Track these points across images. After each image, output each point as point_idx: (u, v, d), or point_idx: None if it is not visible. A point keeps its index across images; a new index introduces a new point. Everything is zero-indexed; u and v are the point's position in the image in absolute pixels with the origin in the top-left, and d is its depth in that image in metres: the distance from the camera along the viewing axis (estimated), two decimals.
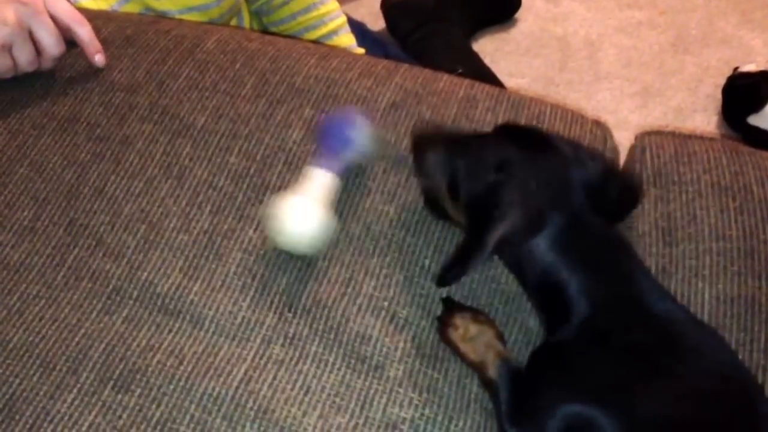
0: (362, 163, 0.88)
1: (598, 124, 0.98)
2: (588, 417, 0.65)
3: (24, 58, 0.90)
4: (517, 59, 1.83)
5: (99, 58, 0.95)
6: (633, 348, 0.68)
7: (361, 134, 0.86)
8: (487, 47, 1.85)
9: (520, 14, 1.90)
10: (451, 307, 0.78)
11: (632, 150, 0.97)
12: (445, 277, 0.73)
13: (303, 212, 0.79)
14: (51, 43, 0.90)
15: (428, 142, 0.82)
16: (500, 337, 0.75)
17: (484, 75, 1.64)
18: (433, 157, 0.80)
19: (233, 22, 1.29)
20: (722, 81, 1.73)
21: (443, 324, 0.77)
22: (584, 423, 0.65)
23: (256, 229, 0.84)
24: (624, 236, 0.78)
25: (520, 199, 0.71)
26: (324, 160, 0.84)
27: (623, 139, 1.02)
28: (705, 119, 1.72)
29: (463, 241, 0.74)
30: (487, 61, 1.72)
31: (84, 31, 0.94)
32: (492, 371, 0.72)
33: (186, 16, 1.16)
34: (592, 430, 0.65)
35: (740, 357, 0.76)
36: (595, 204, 0.73)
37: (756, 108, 1.63)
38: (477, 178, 0.74)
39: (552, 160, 0.74)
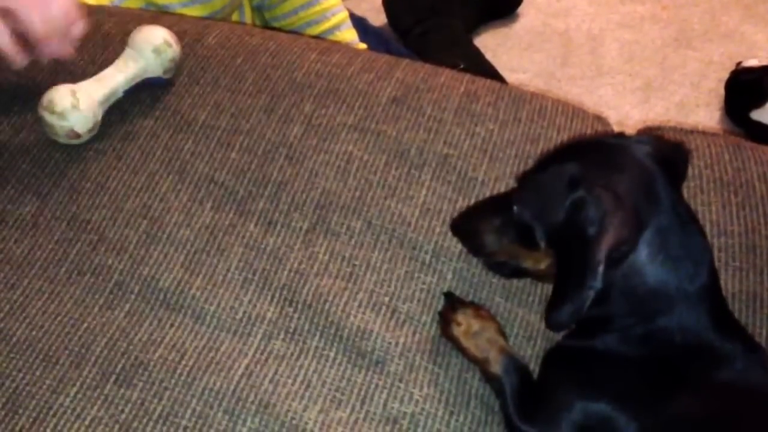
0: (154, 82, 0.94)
1: (599, 119, 0.98)
2: (607, 415, 0.65)
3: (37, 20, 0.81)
4: (519, 54, 1.83)
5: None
6: (670, 359, 0.66)
7: (154, 52, 0.92)
8: (489, 42, 1.84)
9: (522, 9, 1.90)
10: (452, 302, 0.78)
11: None
12: (558, 318, 0.65)
13: (63, 102, 0.86)
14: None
15: (471, 222, 0.77)
16: (502, 332, 0.76)
17: (486, 70, 1.64)
18: (486, 229, 0.74)
19: (234, 18, 1.29)
20: (725, 76, 1.72)
21: (445, 319, 0.77)
22: (602, 421, 0.65)
23: (257, 224, 0.84)
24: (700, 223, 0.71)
25: (612, 204, 0.63)
26: (115, 65, 0.91)
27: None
28: (707, 114, 1.71)
29: (564, 274, 0.67)
30: (488, 56, 1.72)
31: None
32: (496, 367, 0.72)
33: (188, 10, 1.16)
34: (610, 429, 0.65)
35: None
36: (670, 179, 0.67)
37: (759, 103, 1.62)
38: (550, 209, 0.67)
39: (617, 155, 0.68)
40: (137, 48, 0.92)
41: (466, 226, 0.77)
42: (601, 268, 0.62)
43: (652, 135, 0.78)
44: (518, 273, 0.76)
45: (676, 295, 0.66)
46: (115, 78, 0.91)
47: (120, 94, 0.92)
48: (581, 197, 0.65)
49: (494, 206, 0.75)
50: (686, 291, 0.66)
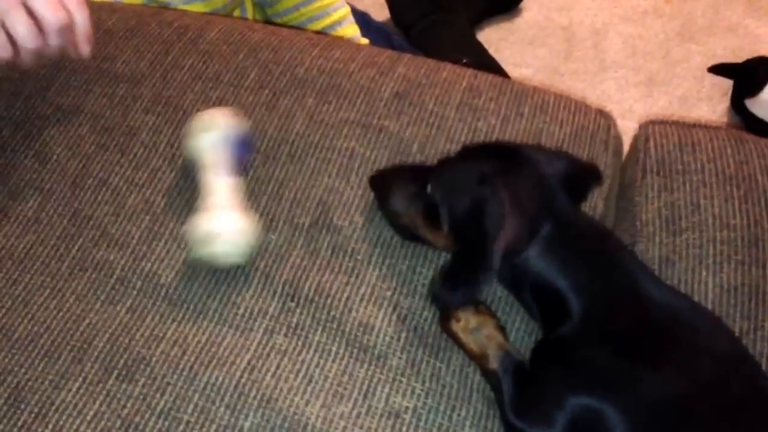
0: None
1: (601, 113, 0.98)
2: (595, 409, 0.66)
3: (21, 28, 0.79)
4: (522, 49, 1.83)
5: (85, 49, 0.85)
6: (633, 337, 0.69)
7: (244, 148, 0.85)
8: (492, 37, 1.84)
9: (525, 4, 1.89)
10: None
11: (636, 139, 0.97)
12: (449, 299, 0.73)
13: (233, 225, 0.78)
14: (24, 35, 0.80)
15: (389, 181, 0.82)
16: (501, 328, 0.76)
17: (489, 65, 1.63)
18: (398, 193, 0.80)
19: (236, 13, 1.29)
20: None
21: (445, 315, 0.77)
22: (591, 415, 0.66)
23: (259, 220, 0.84)
24: (608, 228, 0.79)
25: (513, 207, 0.70)
26: (222, 168, 0.82)
27: (628, 129, 1.02)
28: (710, 108, 1.71)
29: (458, 260, 0.73)
30: (491, 51, 1.71)
31: (79, 18, 0.84)
32: (494, 363, 0.73)
33: (190, 7, 1.16)
34: (599, 421, 0.65)
35: (744, 345, 0.76)
36: (570, 196, 0.75)
37: (752, 92, 1.62)
38: (458, 198, 0.73)
39: (526, 166, 0.75)
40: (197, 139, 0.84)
41: (383, 184, 0.82)
42: (496, 265, 0.69)
43: (564, 153, 0.86)
44: (417, 240, 0.81)
45: (585, 285, 0.71)
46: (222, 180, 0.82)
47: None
48: (485, 195, 0.70)
49: (415, 175, 0.80)
50: (596, 278, 0.72)
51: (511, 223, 0.69)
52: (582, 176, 0.80)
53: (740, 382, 0.68)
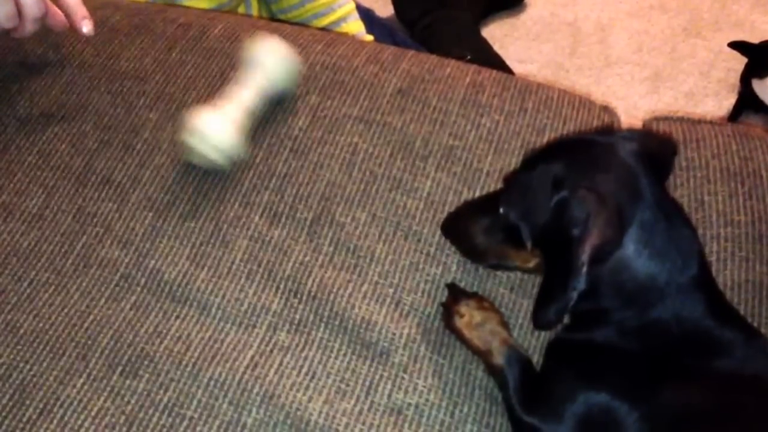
0: (281, 97, 0.91)
1: (606, 109, 0.98)
2: (608, 406, 0.65)
3: (1, 11, 0.83)
4: (527, 45, 1.82)
5: (87, 25, 0.87)
6: (669, 350, 0.66)
7: (283, 66, 0.89)
8: (497, 33, 1.84)
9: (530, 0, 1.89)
10: (455, 293, 0.78)
11: None
12: (544, 318, 0.66)
13: (215, 128, 0.82)
14: (30, 2, 0.84)
15: (460, 222, 0.77)
16: (505, 324, 0.75)
17: (493, 61, 1.63)
18: (474, 231, 0.75)
19: (241, 10, 1.29)
20: (734, 65, 1.71)
21: (447, 311, 0.77)
22: (603, 412, 0.65)
23: (262, 216, 0.84)
24: (688, 216, 0.72)
25: (596, 205, 0.64)
26: (245, 84, 0.87)
27: (633, 125, 1.01)
28: (716, 104, 1.70)
29: (550, 274, 0.67)
30: (496, 47, 1.71)
31: None
32: (499, 358, 0.72)
33: (194, 4, 1.16)
34: (611, 420, 0.65)
35: None
36: (654, 174, 0.68)
37: (760, 74, 1.62)
38: (535, 210, 0.67)
39: (600, 155, 0.69)
40: (263, 62, 0.88)
41: (456, 228, 0.78)
42: (584, 270, 0.63)
43: (639, 130, 0.78)
44: (510, 269, 0.77)
45: (666, 288, 0.66)
46: (251, 98, 0.86)
47: (257, 113, 0.88)
48: (565, 198, 0.65)
49: (482, 207, 0.75)
50: (677, 283, 0.66)
51: (596, 224, 0.63)
52: (660, 150, 0.73)
53: (764, 404, 0.64)
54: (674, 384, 0.65)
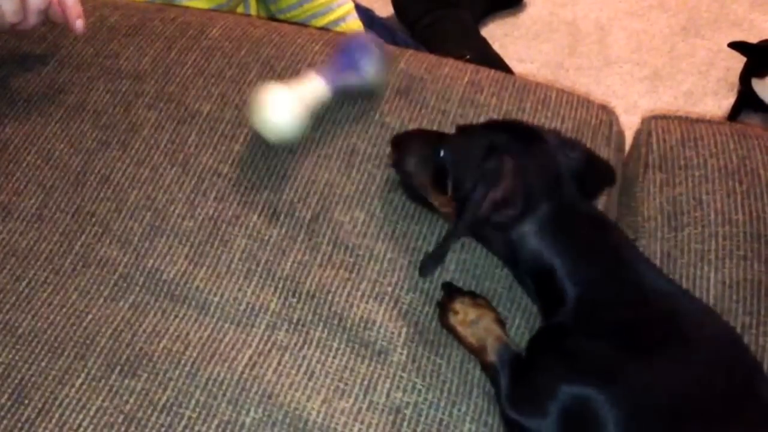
0: (362, 91, 0.92)
1: (604, 108, 0.98)
2: (587, 397, 0.66)
3: (8, 6, 0.86)
4: (527, 44, 1.82)
5: (79, 24, 0.90)
6: (629, 326, 0.69)
7: (369, 61, 0.90)
8: (496, 32, 1.84)
9: None
10: (450, 292, 0.78)
11: (638, 134, 0.97)
12: (425, 261, 0.75)
13: (281, 102, 0.84)
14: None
15: (407, 142, 0.84)
16: (500, 321, 0.76)
17: (493, 60, 1.63)
18: (413, 154, 0.81)
19: (240, 10, 1.30)
20: (733, 65, 1.72)
21: (443, 309, 0.77)
22: (583, 403, 0.66)
23: (260, 215, 0.85)
24: (611, 219, 0.80)
25: (512, 168, 0.71)
26: (324, 71, 0.89)
27: (633, 124, 1.01)
28: (715, 103, 1.70)
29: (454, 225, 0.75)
30: (496, 46, 1.71)
31: None
32: (492, 355, 0.73)
33: (193, 2, 1.16)
34: (590, 410, 0.65)
35: (746, 341, 0.76)
36: (578, 188, 0.75)
37: (760, 73, 1.62)
38: (466, 165, 0.75)
39: (539, 148, 0.76)
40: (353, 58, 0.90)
41: (401, 142, 0.84)
42: (474, 212, 0.71)
43: (583, 147, 0.83)
44: (425, 205, 0.82)
45: (578, 270, 0.72)
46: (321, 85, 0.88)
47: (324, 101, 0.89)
48: (491, 165, 0.72)
49: (432, 139, 0.81)
50: (590, 266, 0.72)
51: (505, 184, 0.71)
52: (596, 174, 0.81)
53: (736, 379, 0.67)
54: (639, 360, 0.66)
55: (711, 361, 0.67)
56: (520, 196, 0.72)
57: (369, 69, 0.90)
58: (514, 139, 0.75)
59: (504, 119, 0.90)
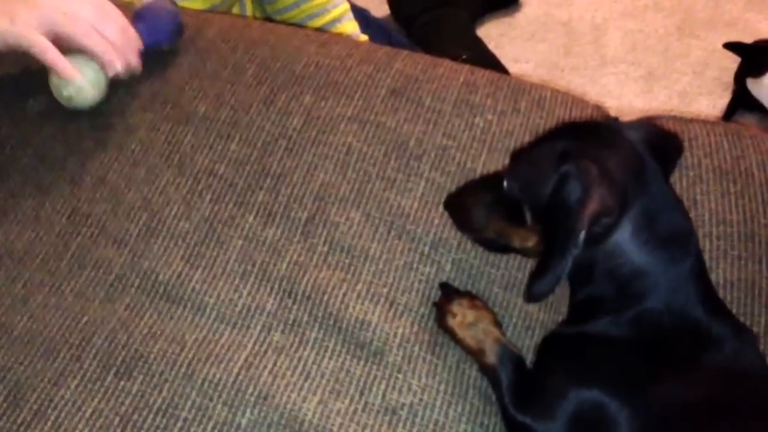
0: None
1: (599, 108, 0.98)
2: (599, 402, 0.65)
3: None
4: (522, 44, 1.83)
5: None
6: (661, 342, 0.67)
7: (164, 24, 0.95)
8: (492, 32, 1.84)
9: None
10: (448, 293, 0.78)
11: None
12: (538, 288, 0.65)
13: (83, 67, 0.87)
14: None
15: (460, 198, 0.77)
16: (497, 323, 0.76)
17: (489, 61, 1.63)
18: (475, 205, 0.75)
19: (235, 11, 1.30)
20: (728, 64, 1.72)
21: (440, 310, 0.77)
22: (596, 409, 0.65)
23: (256, 216, 0.85)
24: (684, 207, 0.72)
25: (598, 175, 0.63)
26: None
27: None
28: (710, 103, 1.71)
29: (549, 247, 0.66)
30: (491, 46, 1.71)
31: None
32: (491, 357, 0.73)
33: (188, 4, 1.16)
34: (603, 416, 0.65)
35: None
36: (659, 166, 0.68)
37: (756, 73, 1.62)
38: (539, 183, 0.66)
39: (608, 136, 0.68)
40: None
41: (457, 201, 0.78)
42: (582, 235, 0.62)
43: (647, 122, 0.78)
44: (506, 250, 0.76)
45: (661, 277, 0.67)
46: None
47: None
48: (568, 170, 0.64)
49: (486, 183, 0.76)
50: (672, 273, 0.67)
51: (597, 192, 0.62)
52: (666, 144, 0.73)
53: (759, 402, 0.65)
54: (665, 378, 0.65)
55: (737, 392, 0.65)
56: (615, 200, 0.64)
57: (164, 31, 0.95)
58: (581, 138, 0.68)
59: (553, 128, 0.78)
